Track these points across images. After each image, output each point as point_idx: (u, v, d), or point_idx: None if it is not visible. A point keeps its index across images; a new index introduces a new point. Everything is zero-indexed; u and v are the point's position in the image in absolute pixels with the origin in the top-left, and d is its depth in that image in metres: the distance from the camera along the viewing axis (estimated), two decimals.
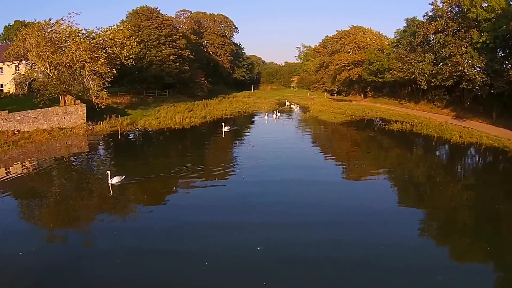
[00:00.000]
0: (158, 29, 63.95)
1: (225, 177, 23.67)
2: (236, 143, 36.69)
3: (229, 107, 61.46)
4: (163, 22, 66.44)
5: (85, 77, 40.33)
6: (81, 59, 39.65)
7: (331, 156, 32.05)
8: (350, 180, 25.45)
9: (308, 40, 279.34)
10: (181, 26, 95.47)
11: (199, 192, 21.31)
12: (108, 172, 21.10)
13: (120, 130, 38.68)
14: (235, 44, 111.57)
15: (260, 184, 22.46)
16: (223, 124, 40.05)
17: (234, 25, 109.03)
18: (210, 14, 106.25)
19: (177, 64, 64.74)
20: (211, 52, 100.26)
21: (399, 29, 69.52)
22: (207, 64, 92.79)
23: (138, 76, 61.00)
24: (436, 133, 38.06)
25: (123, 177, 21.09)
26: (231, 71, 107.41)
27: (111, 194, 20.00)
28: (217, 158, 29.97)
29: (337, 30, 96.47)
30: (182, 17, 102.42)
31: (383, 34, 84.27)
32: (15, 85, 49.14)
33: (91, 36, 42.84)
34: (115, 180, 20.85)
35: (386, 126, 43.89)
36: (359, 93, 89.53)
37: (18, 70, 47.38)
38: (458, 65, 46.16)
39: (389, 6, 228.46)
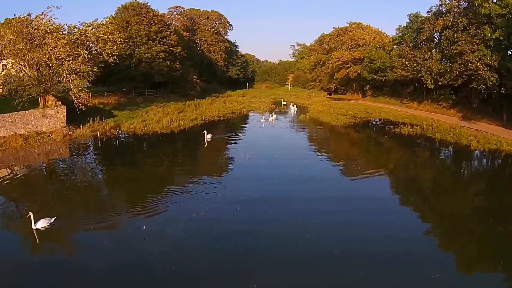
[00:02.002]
0: (147, 25, 60.32)
1: (213, 214, 17.09)
2: (228, 154, 31.21)
3: (222, 107, 57.94)
4: (153, 17, 62.80)
5: (64, 76, 36.62)
6: (60, 57, 36.03)
7: (347, 170, 26.62)
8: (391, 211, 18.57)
9: (302, 39, 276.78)
10: (174, 23, 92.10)
11: (172, 245, 14.49)
12: (31, 213, 15.56)
13: (100, 135, 34.97)
14: (229, 41, 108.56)
15: (260, 220, 16.80)
16: (205, 132, 34.20)
17: (228, 22, 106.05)
18: (203, 10, 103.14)
19: (168, 61, 61.12)
20: (204, 50, 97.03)
21: (400, 25, 66.42)
22: (201, 62, 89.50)
23: (126, 75, 57.41)
24: (452, 138, 34.75)
25: (53, 219, 15.87)
26: (225, 69, 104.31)
27: (37, 242, 14.89)
28: (205, 178, 23.47)
29: (333, 27, 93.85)
30: (175, 13, 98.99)
31: (383, 31, 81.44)
32: (2, 84, 45.49)
33: (72, 31, 39.20)
34: (41, 224, 15.62)
35: (396, 130, 40.27)
36: (357, 91, 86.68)
37: (5, 69, 43.73)
38: (469, 64, 43.07)
39: (385, 6, 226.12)
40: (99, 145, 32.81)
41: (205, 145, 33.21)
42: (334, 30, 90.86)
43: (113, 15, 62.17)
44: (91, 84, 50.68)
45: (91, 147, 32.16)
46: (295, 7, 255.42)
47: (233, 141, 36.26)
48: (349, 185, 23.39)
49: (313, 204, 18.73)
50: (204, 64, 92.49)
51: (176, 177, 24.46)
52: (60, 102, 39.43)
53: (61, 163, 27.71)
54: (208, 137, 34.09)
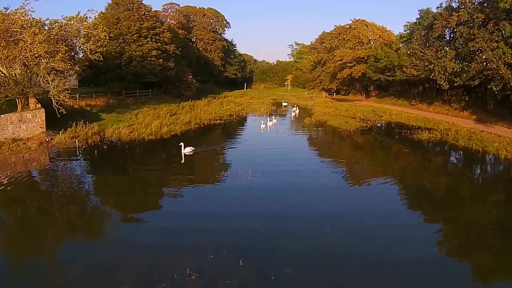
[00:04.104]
0: (139, 21, 56.44)
1: (204, 276, 11.57)
2: (223, 172, 24.08)
3: (219, 109, 54.05)
4: (145, 13, 58.97)
5: (41, 76, 32.60)
6: (37, 54, 32.07)
7: (383, 194, 20.18)
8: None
9: (300, 39, 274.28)
10: (168, 20, 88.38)
11: None
12: None
13: (79, 143, 30.86)
14: (226, 40, 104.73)
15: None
16: (181, 144, 27.01)
17: (226, 20, 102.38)
18: (200, 8, 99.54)
19: (161, 60, 57.26)
20: (200, 49, 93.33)
21: (409, 21, 62.58)
22: (197, 62, 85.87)
23: (115, 75, 53.55)
24: (476, 145, 30.72)
25: None
26: (222, 69, 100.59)
27: None
28: (191, 211, 17.05)
29: (335, 25, 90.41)
30: (170, 10, 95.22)
31: (388, 29, 77.67)
32: None
33: (53, 26, 35.27)
34: None
35: (414, 136, 36.05)
36: (360, 92, 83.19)
37: None
38: (489, 63, 39.47)
39: (383, 5, 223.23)
40: (76, 155, 28.32)
41: (183, 160, 26.24)
42: (336, 28, 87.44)
43: (103, 11, 58.98)
44: (76, 86, 47.13)
45: (64, 159, 27.10)
46: (292, 7, 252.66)
47: (227, 153, 29.86)
48: (396, 219, 16.58)
49: (350, 260, 12.81)
50: (201, 63, 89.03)
51: (152, 212, 17.51)
52: (40, 105, 35.71)
53: (18, 180, 21.52)
54: (187, 150, 27.25)
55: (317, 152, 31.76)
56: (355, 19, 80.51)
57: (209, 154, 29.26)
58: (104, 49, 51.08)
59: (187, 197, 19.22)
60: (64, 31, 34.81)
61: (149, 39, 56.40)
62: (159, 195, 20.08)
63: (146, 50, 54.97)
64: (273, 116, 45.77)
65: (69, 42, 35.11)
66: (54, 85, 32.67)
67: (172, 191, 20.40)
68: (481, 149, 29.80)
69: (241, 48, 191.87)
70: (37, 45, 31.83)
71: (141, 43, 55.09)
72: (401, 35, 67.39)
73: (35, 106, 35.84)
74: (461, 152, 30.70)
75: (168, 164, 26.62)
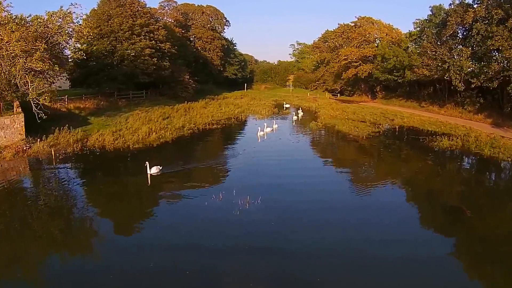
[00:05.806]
0: (132, 18, 53.13)
1: None
2: (213, 196, 18.29)
3: (217, 111, 50.81)
4: (139, 10, 55.68)
5: (18, 77, 29.30)
6: (13, 53, 28.83)
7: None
8: None
9: (302, 38, 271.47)
10: (166, 18, 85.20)
11: None
12: None
13: (55, 153, 27.41)
14: (226, 39, 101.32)
15: None
16: (147, 163, 21.95)
17: (225, 18, 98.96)
18: (198, 5, 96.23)
19: (155, 59, 53.96)
20: (199, 48, 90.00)
21: (419, 19, 59.02)
22: (195, 61, 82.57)
23: (106, 75, 50.30)
24: (503, 154, 27.29)
25: None
26: (222, 69, 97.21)
27: None
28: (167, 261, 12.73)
29: (339, 23, 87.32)
30: (167, 8, 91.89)
31: (394, 27, 74.20)
32: None
33: (33, 23, 32.07)
34: None
35: (434, 143, 32.43)
36: (365, 93, 79.88)
37: None
38: (510, 62, 36.28)
39: (386, 5, 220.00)
40: (49, 168, 24.70)
41: (149, 183, 21.39)
42: (340, 26, 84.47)
43: (95, 8, 55.91)
44: (60, 87, 43.99)
45: (34, 173, 23.76)
46: (293, 7, 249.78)
47: (221, 169, 24.85)
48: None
49: None
50: (199, 63, 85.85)
51: (100, 271, 12.30)
52: (21, 109, 32.56)
53: None
54: (152, 170, 22.34)
55: (329, 165, 27.17)
56: (360, 16, 77.39)
57: (197, 172, 24.05)
58: (95, 48, 48.49)
59: (157, 244, 13.88)
60: (45, 27, 31.61)
61: (142, 37, 53.13)
62: (112, 240, 14.63)
63: (139, 49, 51.67)
64: (274, 121, 42.33)
65: (49, 39, 31.82)
66: (33, 87, 29.48)
67: (137, 228, 15.46)
68: (509, 159, 26.45)
69: (241, 48, 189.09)
70: (13, 43, 28.67)
71: (133, 41, 51.81)
72: (410, 33, 63.86)
73: (16, 110, 32.81)
74: (490, 164, 26.97)
75: (141, 185, 21.37)
